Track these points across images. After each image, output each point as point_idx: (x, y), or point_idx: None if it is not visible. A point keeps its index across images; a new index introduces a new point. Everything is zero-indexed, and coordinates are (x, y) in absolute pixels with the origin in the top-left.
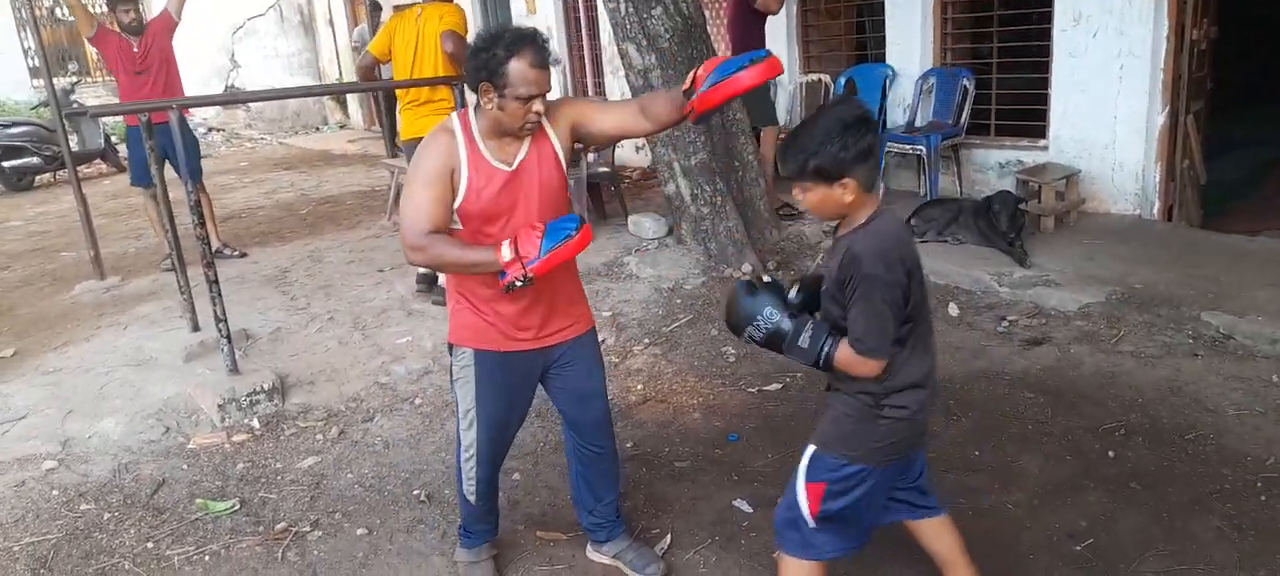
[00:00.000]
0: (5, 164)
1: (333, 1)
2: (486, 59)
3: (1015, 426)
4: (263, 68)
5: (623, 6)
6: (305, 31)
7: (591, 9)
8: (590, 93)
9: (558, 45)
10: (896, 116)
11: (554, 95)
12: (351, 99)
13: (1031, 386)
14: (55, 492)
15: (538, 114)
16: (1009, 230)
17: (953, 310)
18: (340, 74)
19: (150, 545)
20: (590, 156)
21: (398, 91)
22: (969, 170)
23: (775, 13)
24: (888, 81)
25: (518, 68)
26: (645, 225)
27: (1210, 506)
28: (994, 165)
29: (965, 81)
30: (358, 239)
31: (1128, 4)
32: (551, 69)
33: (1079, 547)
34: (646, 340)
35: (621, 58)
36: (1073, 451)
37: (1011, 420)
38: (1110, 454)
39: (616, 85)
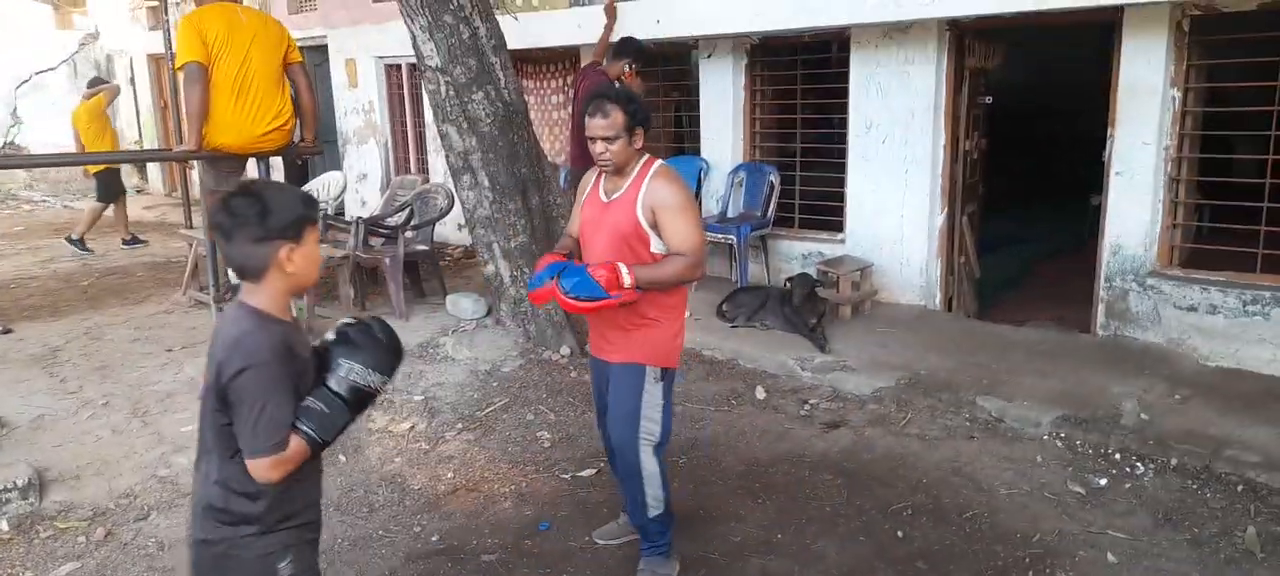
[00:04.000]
0: None
1: (135, 60)
2: None
3: (815, 508)
4: (50, 125)
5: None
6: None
7: (415, 87)
8: (412, 169)
9: (380, 121)
10: (710, 206)
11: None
12: (153, 166)
13: (830, 468)
14: None
15: (599, 155)
16: (810, 316)
17: (759, 393)
18: (140, 134)
19: None
20: (409, 233)
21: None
22: (776, 259)
23: None
24: (702, 173)
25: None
26: (464, 305)
27: None
28: (798, 255)
29: (772, 177)
30: (146, 315)
31: (911, 116)
32: (604, 117)
33: None
34: (460, 425)
35: (442, 138)
36: (866, 532)
37: (811, 502)
38: (899, 533)
39: (439, 164)
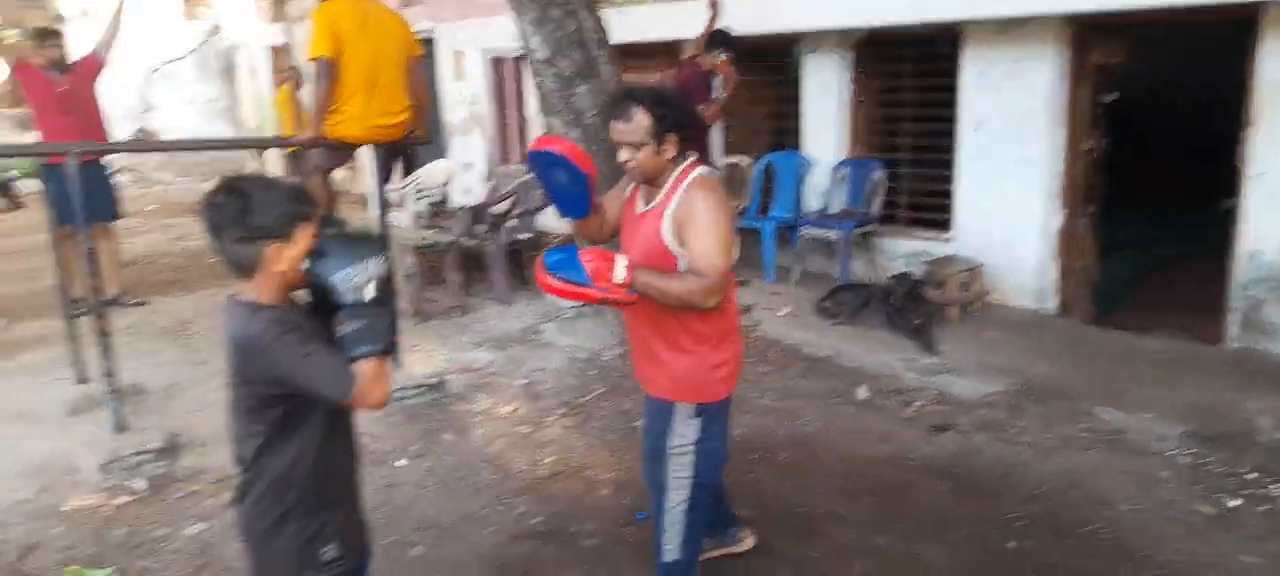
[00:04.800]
0: None
1: (255, 52)
2: None
3: (920, 512)
4: (178, 111)
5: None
6: (225, 79)
7: (520, 79)
8: (513, 159)
9: (485, 113)
10: (811, 202)
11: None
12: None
13: (936, 472)
14: None
15: (623, 163)
16: (914, 316)
17: (861, 393)
18: (261, 123)
19: None
20: (512, 222)
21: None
22: (880, 257)
23: (711, 123)
24: (803, 170)
25: None
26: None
27: None
28: (903, 254)
29: (876, 173)
30: None
31: (1026, 114)
32: (626, 121)
33: None
34: (560, 410)
35: (547, 130)
36: (975, 540)
37: (917, 506)
38: (1011, 544)
39: None
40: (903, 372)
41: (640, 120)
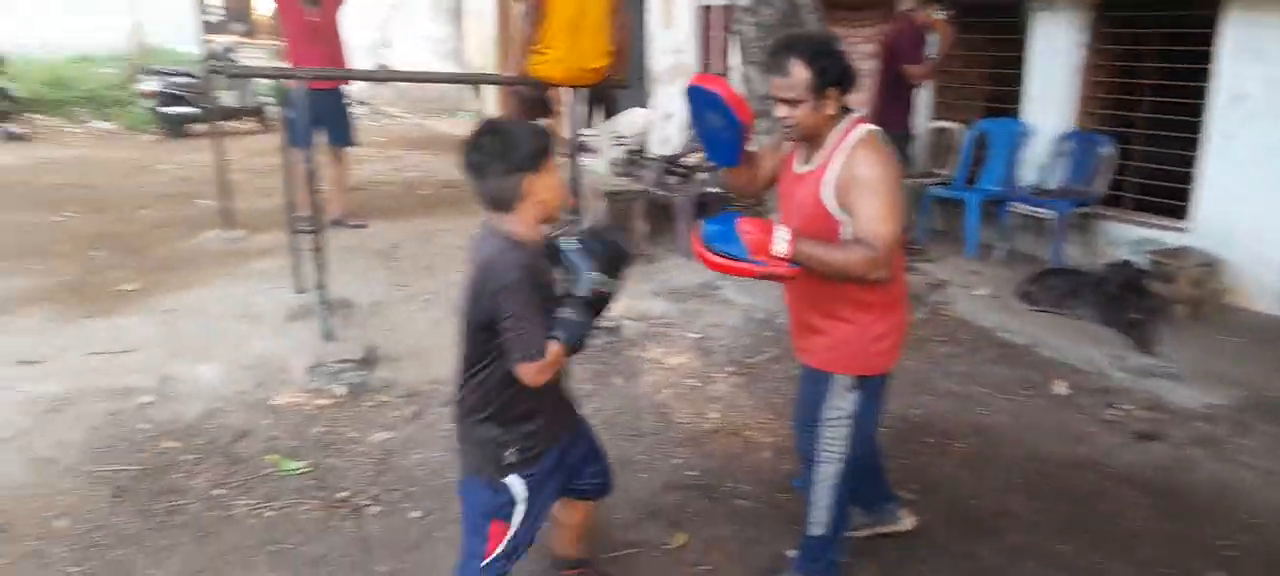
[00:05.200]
0: (165, 110)
1: None
2: None
3: (1111, 525)
4: (411, 49)
5: (749, 29)
6: (454, 19)
7: (727, 28)
8: None
9: (690, 62)
10: (1027, 176)
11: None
12: (487, 91)
13: (1136, 484)
14: (145, 426)
15: (781, 119)
16: (1132, 310)
17: (1059, 388)
18: (484, 63)
19: (220, 492)
20: (703, 174)
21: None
22: (1100, 242)
23: (920, 83)
24: (1020, 139)
25: None
26: None
27: None
28: (1128, 240)
29: (1105, 149)
30: (470, 224)
31: None
32: (783, 75)
33: None
34: (730, 368)
35: (745, 81)
36: (1172, 564)
37: (1108, 517)
38: (1213, 575)
39: None
40: (1110, 371)
41: (798, 74)
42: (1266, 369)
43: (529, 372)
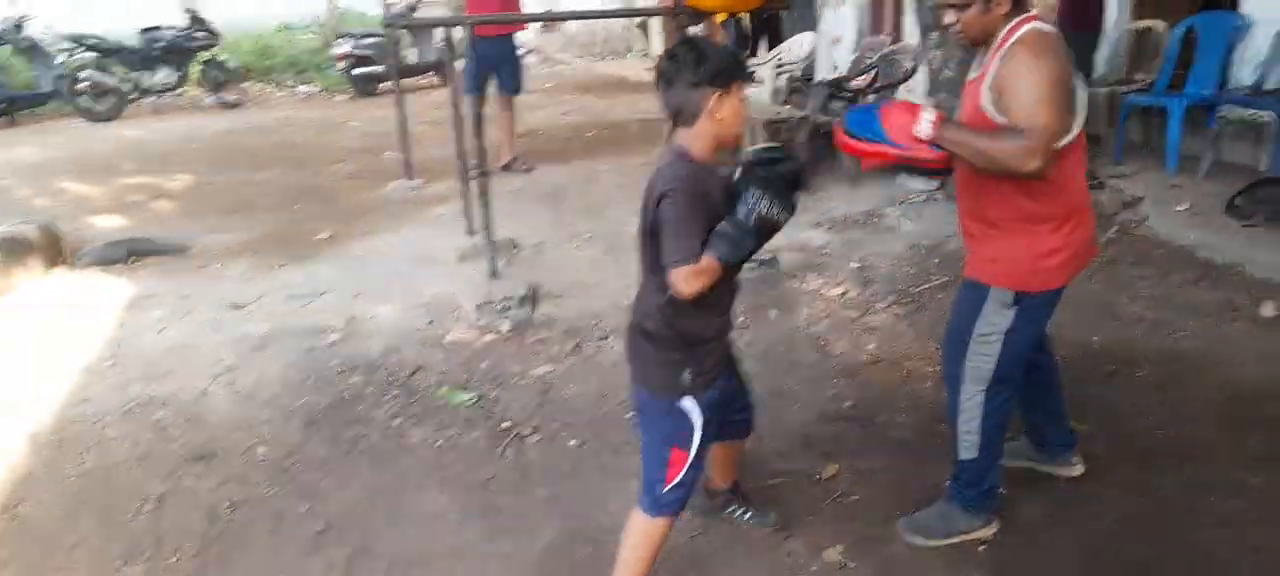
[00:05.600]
0: (355, 71)
1: None
2: None
3: None
4: None
5: None
6: None
7: None
8: (884, 30)
9: None
10: (1242, 76)
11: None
12: (655, 29)
13: None
14: (335, 362)
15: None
16: None
17: (1267, 310)
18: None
19: (397, 422)
20: (870, 97)
21: None
22: None
23: None
24: (1236, 33)
25: None
26: (916, 176)
27: None
28: None
29: None
30: (632, 165)
31: None
32: None
33: None
34: (892, 298)
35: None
36: None
37: None
38: None
39: (914, 25)
40: None
41: None
42: None
43: (679, 277)
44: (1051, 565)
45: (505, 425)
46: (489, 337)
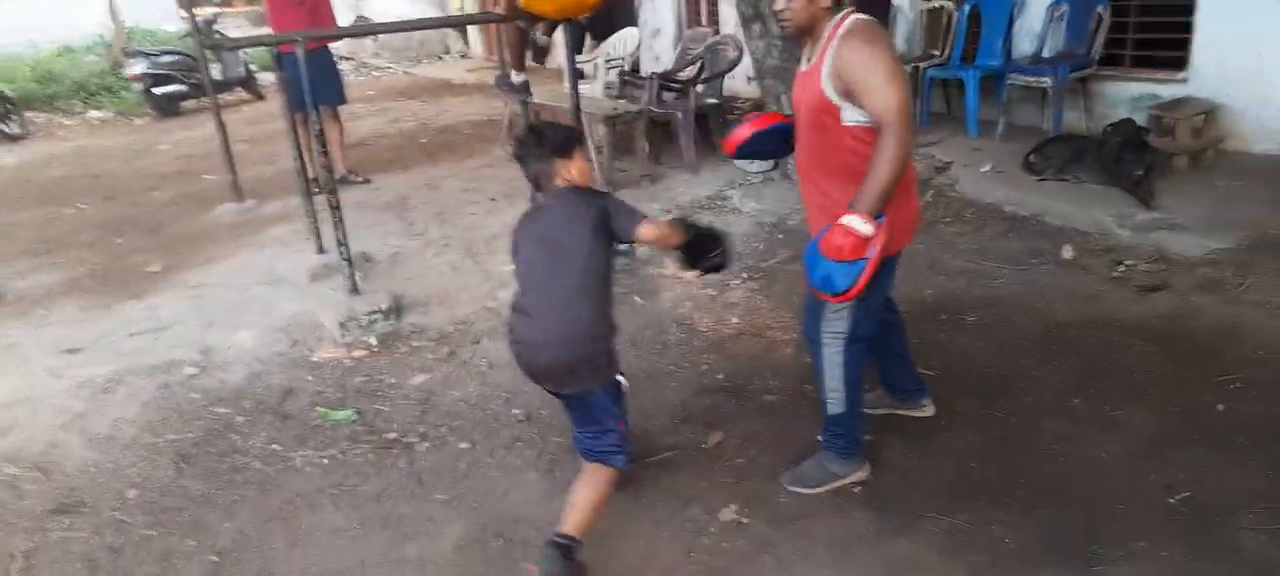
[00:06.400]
0: (155, 90)
1: None
2: None
3: (1121, 376)
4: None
5: None
6: None
7: None
8: (703, 22)
9: None
10: (1023, 46)
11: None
12: (472, 30)
13: (1144, 335)
14: (195, 396)
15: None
16: (1134, 168)
17: (1066, 252)
18: (462, 3)
19: (277, 447)
20: (699, 88)
21: None
22: (1099, 104)
23: None
24: (1016, 9)
25: None
26: (753, 159)
27: None
28: (1126, 99)
29: (1100, 9)
30: (472, 168)
31: None
32: None
33: (1174, 500)
34: (745, 275)
35: None
36: (1179, 403)
37: (1118, 369)
38: (1220, 407)
39: (730, 15)
40: (1115, 230)
41: None
42: (1267, 209)
43: (647, 228)
44: (921, 495)
45: (391, 436)
46: (358, 353)
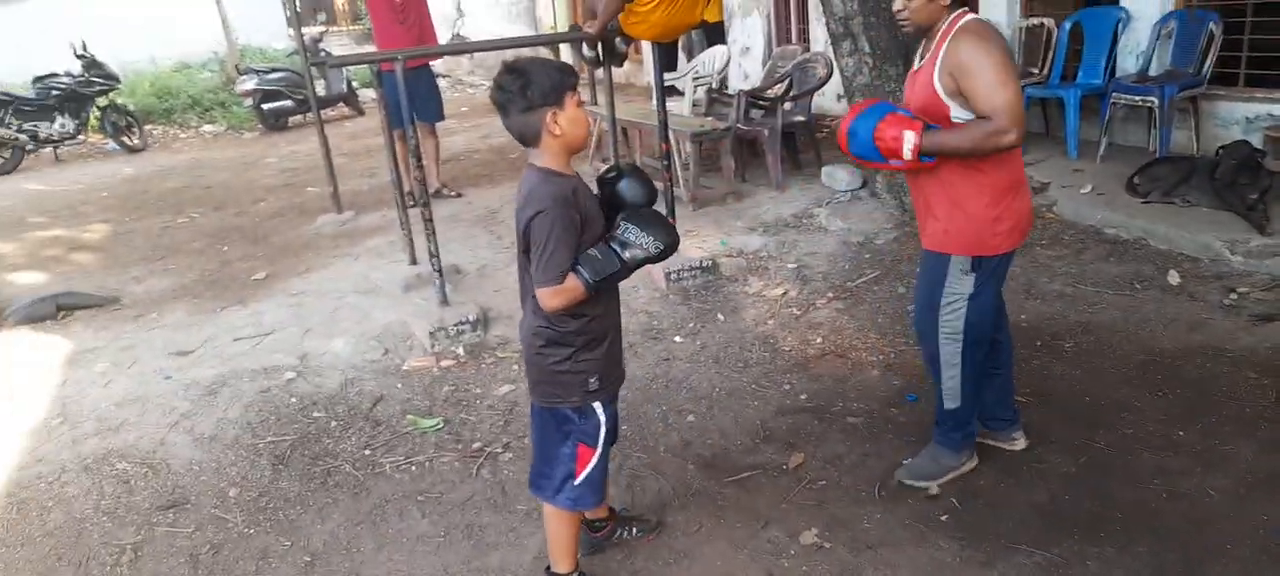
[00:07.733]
0: (264, 106)
1: None
2: None
3: (1229, 409)
4: (484, 16)
5: None
6: None
7: None
8: (793, 39)
9: None
10: (1128, 64)
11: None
12: (565, 50)
13: (1256, 365)
14: (293, 400)
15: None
16: (1248, 191)
17: (1173, 278)
18: (554, 21)
19: (367, 452)
20: (787, 105)
21: None
22: (1210, 125)
23: None
24: (1120, 26)
25: None
26: (839, 177)
27: None
28: (1240, 118)
29: (1212, 26)
30: None
31: None
32: None
33: None
34: (830, 294)
35: (823, 3)
36: None
37: (1226, 402)
38: None
39: (821, 33)
40: (1227, 255)
41: None
42: None
43: (543, 296)
44: (1011, 525)
45: (476, 445)
46: (446, 363)
